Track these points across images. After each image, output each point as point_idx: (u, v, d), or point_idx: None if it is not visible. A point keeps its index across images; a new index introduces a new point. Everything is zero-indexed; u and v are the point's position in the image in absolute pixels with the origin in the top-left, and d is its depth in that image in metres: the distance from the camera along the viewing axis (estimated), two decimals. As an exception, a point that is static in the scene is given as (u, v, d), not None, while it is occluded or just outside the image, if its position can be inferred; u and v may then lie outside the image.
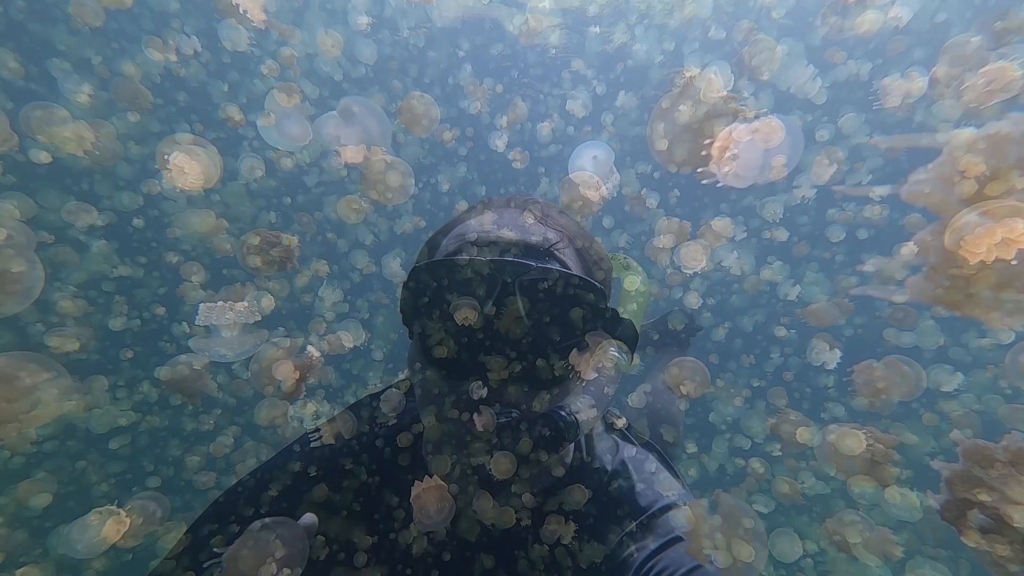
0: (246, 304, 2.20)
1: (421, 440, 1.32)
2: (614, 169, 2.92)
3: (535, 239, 1.18)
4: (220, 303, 2.14)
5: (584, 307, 1.17)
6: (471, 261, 1.13)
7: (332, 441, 1.36)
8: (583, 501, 1.21)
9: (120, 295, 5.08)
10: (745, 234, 3.76)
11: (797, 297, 5.20)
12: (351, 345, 3.26)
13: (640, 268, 1.66)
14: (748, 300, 6.09)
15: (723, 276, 5.91)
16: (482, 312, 1.10)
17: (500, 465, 1.09)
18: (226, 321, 2.09)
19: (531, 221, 1.23)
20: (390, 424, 1.36)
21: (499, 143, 4.45)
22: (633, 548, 1.19)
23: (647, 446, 1.47)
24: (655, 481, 1.34)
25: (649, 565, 1.15)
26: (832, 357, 3.15)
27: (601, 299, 1.18)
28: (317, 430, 1.40)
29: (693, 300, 4.41)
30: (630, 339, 1.32)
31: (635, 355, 1.34)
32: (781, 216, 4.84)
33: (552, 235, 1.21)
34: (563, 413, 1.13)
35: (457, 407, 1.10)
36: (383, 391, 1.46)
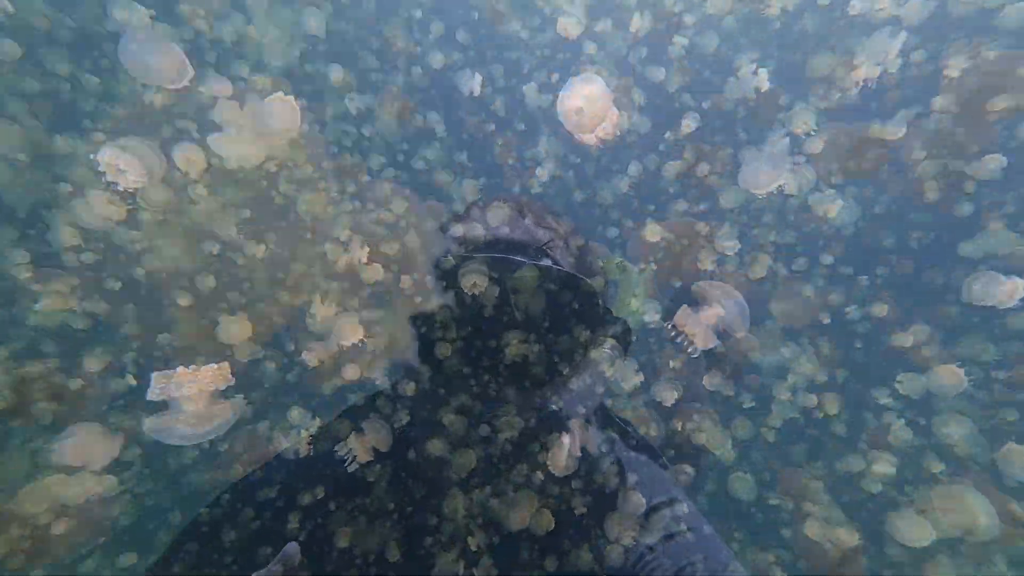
0: (215, 368, 1.68)
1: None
2: (612, 105, 2.33)
3: (526, 237, 1.21)
4: (179, 369, 1.62)
5: (576, 304, 1.17)
6: (463, 258, 1.13)
7: (369, 458, 1.25)
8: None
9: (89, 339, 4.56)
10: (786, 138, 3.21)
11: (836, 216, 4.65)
12: (349, 344, 2.83)
13: (635, 270, 1.69)
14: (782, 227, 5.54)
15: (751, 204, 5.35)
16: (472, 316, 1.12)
17: (558, 460, 1.10)
18: (188, 392, 1.59)
19: (522, 220, 1.25)
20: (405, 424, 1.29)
21: (474, 86, 3.79)
22: (626, 544, 1.18)
23: (644, 446, 1.47)
24: (649, 480, 1.34)
25: (643, 562, 1.15)
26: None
27: (593, 296, 1.19)
28: (350, 449, 1.28)
29: (729, 246, 3.88)
30: (624, 337, 1.30)
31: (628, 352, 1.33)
32: (815, 128, 4.25)
33: (543, 234, 1.24)
34: (553, 408, 1.16)
35: (472, 400, 1.12)
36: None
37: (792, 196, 4.08)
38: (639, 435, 1.51)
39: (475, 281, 1.10)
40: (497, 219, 1.24)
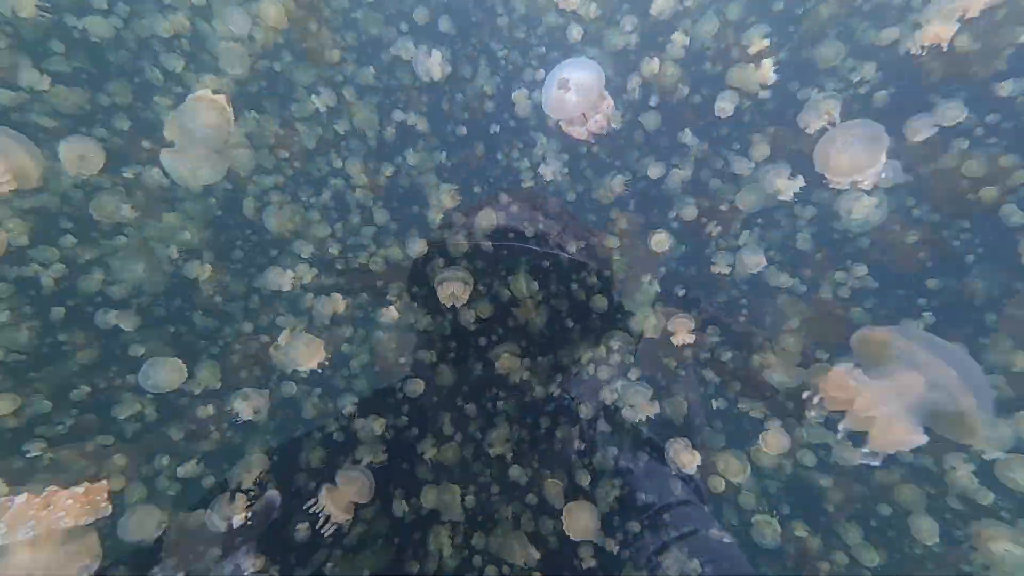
0: (81, 492, 1.13)
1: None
2: (606, 94, 2.11)
3: (535, 228, 1.16)
4: (20, 499, 1.07)
5: (586, 294, 1.14)
6: (472, 246, 1.08)
7: (347, 517, 1.13)
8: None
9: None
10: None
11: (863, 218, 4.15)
12: (314, 365, 2.40)
13: (646, 281, 1.46)
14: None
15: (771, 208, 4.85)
16: (486, 299, 1.03)
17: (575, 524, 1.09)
18: (25, 534, 1.05)
19: (532, 213, 1.20)
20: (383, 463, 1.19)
21: (432, 68, 3.26)
22: (635, 547, 1.15)
23: (654, 446, 1.40)
24: (659, 482, 1.29)
25: (652, 564, 1.11)
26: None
27: (603, 286, 1.15)
28: (320, 508, 1.10)
29: (753, 262, 3.38)
30: (635, 331, 1.24)
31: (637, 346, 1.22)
32: (837, 119, 3.76)
33: (553, 225, 1.21)
34: (566, 399, 1.14)
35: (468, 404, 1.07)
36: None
37: (844, 192, 3.52)
38: (652, 439, 1.43)
39: (452, 290, 1.01)
40: (505, 211, 1.19)
